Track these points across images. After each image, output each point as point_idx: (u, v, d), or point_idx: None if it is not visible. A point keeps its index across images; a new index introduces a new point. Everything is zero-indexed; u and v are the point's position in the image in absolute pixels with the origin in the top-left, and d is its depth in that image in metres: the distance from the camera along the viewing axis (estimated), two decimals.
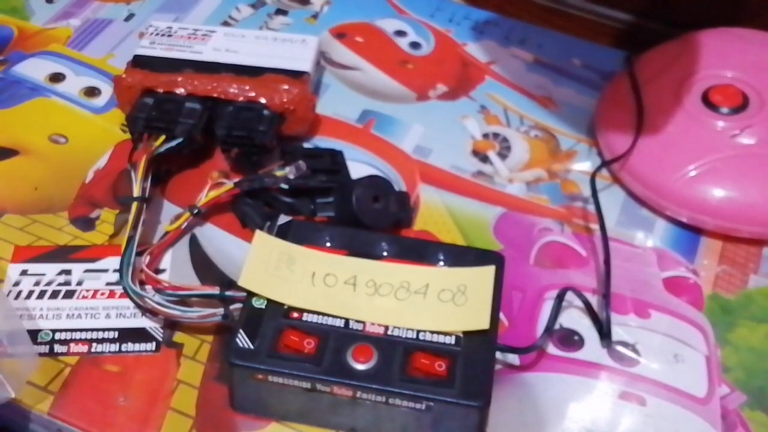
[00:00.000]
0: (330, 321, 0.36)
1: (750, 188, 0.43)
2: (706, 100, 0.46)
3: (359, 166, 0.47)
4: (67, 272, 0.41)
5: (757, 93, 0.46)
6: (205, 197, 0.42)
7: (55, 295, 0.41)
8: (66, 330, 0.39)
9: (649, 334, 0.40)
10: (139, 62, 0.47)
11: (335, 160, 0.45)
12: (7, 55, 0.53)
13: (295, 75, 0.47)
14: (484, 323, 0.36)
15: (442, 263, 0.39)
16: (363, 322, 0.36)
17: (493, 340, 0.36)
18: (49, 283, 0.41)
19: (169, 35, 0.49)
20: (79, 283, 0.41)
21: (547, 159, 0.49)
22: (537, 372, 0.39)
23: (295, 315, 0.36)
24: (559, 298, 0.40)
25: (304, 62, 0.48)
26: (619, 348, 0.40)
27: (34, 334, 0.39)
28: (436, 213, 0.45)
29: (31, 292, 0.41)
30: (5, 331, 0.37)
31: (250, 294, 0.37)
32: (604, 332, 0.40)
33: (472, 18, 0.57)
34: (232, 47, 0.49)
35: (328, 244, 0.39)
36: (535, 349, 0.39)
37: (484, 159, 0.48)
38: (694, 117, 0.45)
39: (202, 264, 0.43)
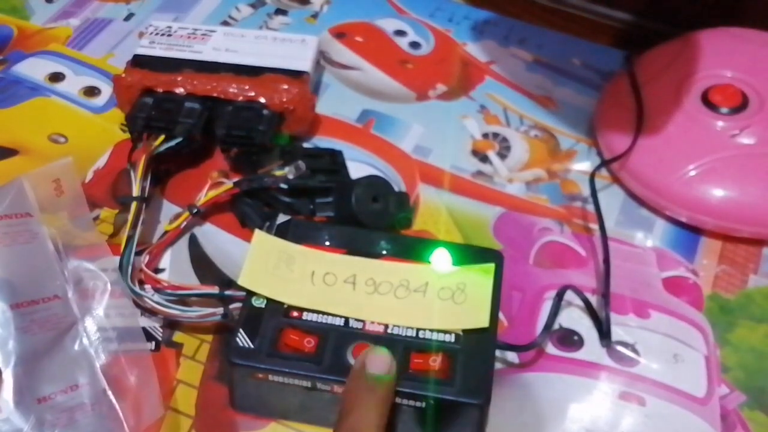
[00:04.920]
0: (330, 320, 0.36)
1: (750, 188, 0.43)
2: (706, 100, 0.46)
3: (359, 166, 0.47)
4: None
5: (756, 93, 0.46)
6: (204, 197, 0.42)
7: None
8: None
9: (648, 334, 0.40)
10: (139, 62, 0.47)
11: (335, 160, 0.45)
12: (7, 54, 0.53)
13: (295, 75, 0.47)
14: (483, 321, 0.36)
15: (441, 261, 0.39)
16: (363, 321, 0.36)
17: (492, 338, 0.36)
18: None
19: (169, 35, 0.49)
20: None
21: (546, 159, 0.49)
22: (537, 372, 0.39)
23: (295, 314, 0.36)
24: (559, 297, 0.40)
25: (303, 62, 0.48)
26: (619, 348, 0.40)
27: None
28: (435, 213, 0.45)
29: None
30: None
31: (250, 293, 0.37)
32: (604, 332, 0.40)
33: (472, 18, 0.57)
34: (232, 47, 0.49)
35: (328, 243, 0.39)
36: (534, 347, 0.39)
37: (484, 159, 0.48)
38: (693, 117, 0.45)
39: (202, 263, 0.43)
